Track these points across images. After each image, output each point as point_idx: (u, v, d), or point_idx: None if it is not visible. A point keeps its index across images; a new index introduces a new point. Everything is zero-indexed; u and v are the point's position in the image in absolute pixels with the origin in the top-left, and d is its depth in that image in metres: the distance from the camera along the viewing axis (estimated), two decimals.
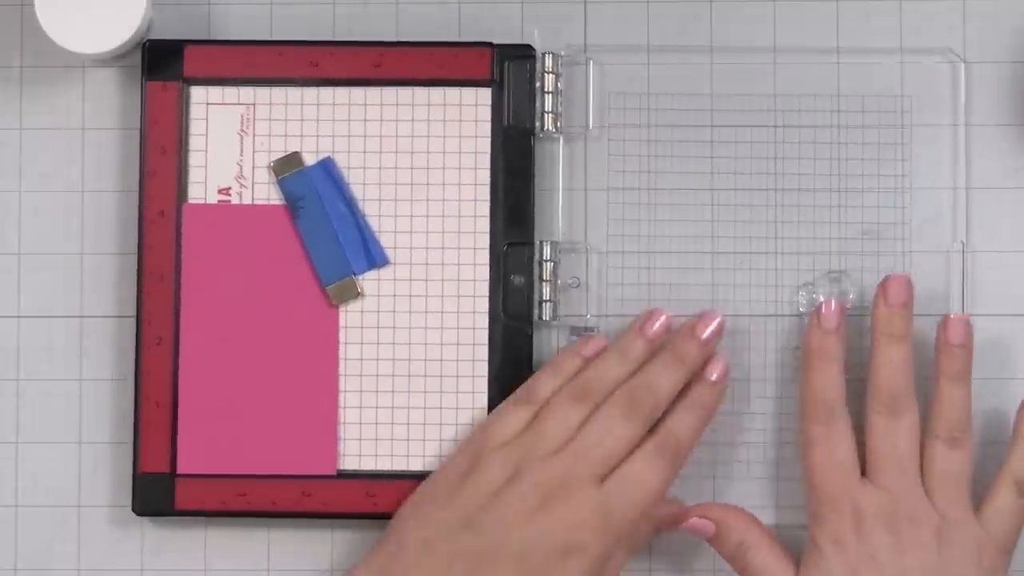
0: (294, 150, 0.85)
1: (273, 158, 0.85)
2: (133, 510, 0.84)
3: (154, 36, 0.86)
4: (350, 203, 0.85)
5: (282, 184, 0.85)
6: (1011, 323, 0.85)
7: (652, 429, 0.82)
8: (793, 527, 0.84)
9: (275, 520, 0.85)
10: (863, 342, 0.84)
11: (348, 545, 0.85)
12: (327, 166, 0.85)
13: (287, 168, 0.85)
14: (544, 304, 0.85)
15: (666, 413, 0.82)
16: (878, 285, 0.82)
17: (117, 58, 0.86)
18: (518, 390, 0.83)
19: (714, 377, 0.82)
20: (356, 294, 0.85)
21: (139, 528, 0.86)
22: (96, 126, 0.87)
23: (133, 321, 0.85)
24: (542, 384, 0.83)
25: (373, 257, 0.85)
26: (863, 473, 0.81)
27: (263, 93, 0.85)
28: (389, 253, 0.85)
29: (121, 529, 0.86)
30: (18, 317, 0.86)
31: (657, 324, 0.83)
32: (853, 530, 0.80)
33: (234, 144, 0.85)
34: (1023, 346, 0.85)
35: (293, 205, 0.85)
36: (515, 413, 0.82)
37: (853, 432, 0.82)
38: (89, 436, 0.86)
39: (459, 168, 0.85)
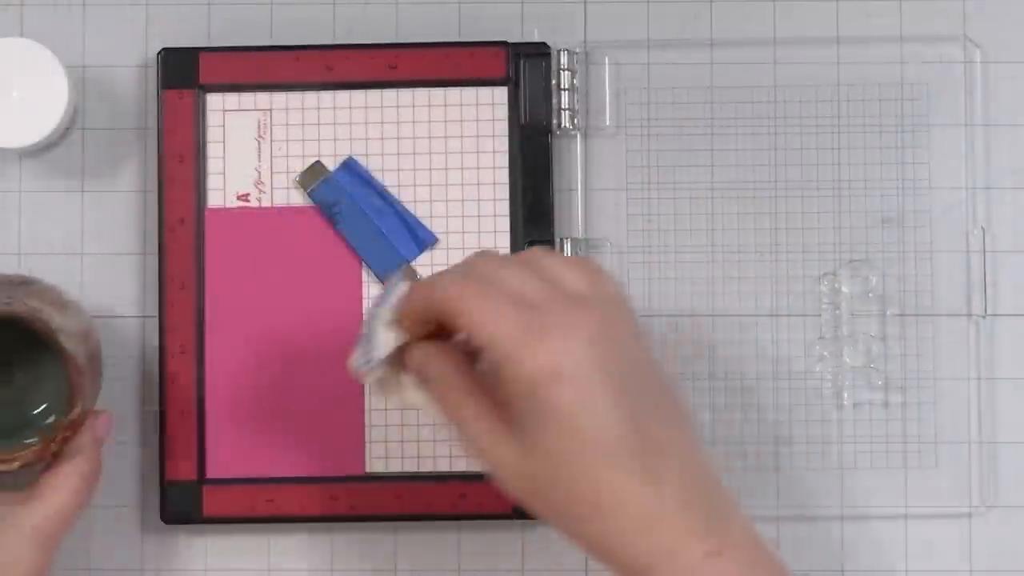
0: (313, 157, 0.85)
1: (291, 163, 0.85)
2: (161, 519, 0.84)
3: (156, 43, 0.86)
4: (383, 195, 0.85)
5: (312, 196, 0.85)
6: None
7: None
8: (793, 519, 0.84)
9: (301, 524, 0.85)
10: (879, 330, 0.84)
11: (376, 547, 0.85)
12: (351, 166, 0.85)
13: (313, 179, 0.85)
14: None
15: None
16: None
17: (47, 148, 0.85)
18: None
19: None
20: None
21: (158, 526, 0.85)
22: (95, 126, 0.87)
23: (155, 321, 0.84)
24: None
25: (421, 239, 0.85)
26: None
27: (279, 98, 0.85)
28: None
29: (140, 528, 0.85)
30: None
31: None
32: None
33: (252, 150, 0.85)
34: None
35: (329, 212, 0.84)
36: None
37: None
38: (113, 435, 0.85)
39: (477, 168, 0.85)
